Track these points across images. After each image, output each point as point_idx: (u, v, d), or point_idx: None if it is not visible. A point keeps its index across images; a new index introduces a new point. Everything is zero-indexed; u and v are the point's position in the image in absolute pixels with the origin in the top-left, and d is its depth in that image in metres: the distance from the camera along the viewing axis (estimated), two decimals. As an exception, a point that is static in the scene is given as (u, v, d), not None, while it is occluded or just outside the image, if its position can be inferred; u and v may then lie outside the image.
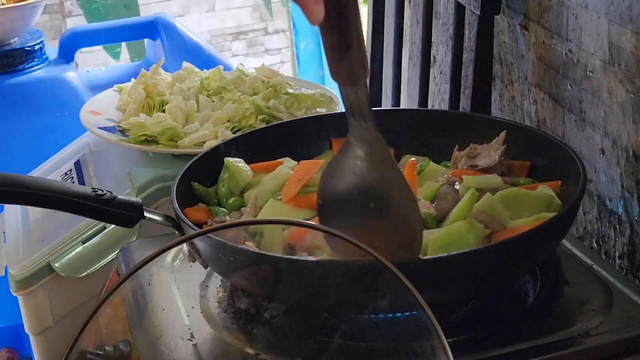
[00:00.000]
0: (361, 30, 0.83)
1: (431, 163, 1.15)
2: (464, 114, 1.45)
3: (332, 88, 1.72)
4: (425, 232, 0.92)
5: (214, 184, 1.15)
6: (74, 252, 1.42)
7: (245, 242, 0.99)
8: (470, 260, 0.90)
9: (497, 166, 1.12)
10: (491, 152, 1.14)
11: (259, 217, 1.06)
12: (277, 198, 1.08)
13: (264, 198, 1.09)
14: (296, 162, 1.17)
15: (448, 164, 1.17)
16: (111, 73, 2.39)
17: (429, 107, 1.73)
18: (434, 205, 1.04)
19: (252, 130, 1.30)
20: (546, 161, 1.11)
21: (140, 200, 1.03)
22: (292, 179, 1.10)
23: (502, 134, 1.13)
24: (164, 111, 1.56)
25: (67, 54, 2.31)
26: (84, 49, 2.58)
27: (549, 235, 0.97)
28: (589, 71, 1.25)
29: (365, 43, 1.99)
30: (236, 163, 1.15)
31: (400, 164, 1.17)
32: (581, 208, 1.31)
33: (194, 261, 1.03)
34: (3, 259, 1.54)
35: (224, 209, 1.10)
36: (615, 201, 1.24)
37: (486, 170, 1.12)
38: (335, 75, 0.85)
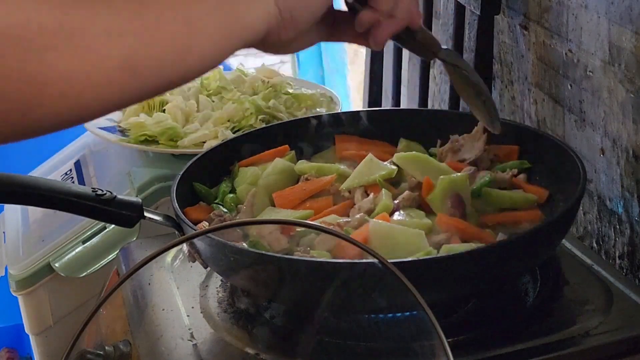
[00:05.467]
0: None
1: (416, 153, 1.15)
2: (464, 114, 1.45)
3: (332, 88, 1.72)
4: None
5: (214, 184, 1.15)
6: (74, 252, 1.42)
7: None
8: (470, 260, 0.90)
9: (484, 156, 1.13)
10: (475, 143, 1.13)
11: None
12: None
13: (261, 195, 1.09)
14: (292, 153, 1.18)
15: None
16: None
17: (429, 107, 1.73)
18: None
19: (254, 129, 1.31)
20: (546, 161, 1.11)
21: (140, 200, 1.03)
22: (296, 190, 1.10)
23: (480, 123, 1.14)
24: (164, 111, 1.56)
25: (67, 54, 2.30)
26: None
27: (549, 235, 0.97)
28: (589, 71, 1.25)
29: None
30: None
31: (399, 149, 1.20)
32: (581, 208, 1.31)
33: (194, 261, 1.03)
34: (3, 259, 1.54)
35: (223, 206, 1.10)
36: (615, 201, 1.24)
37: (474, 163, 1.12)
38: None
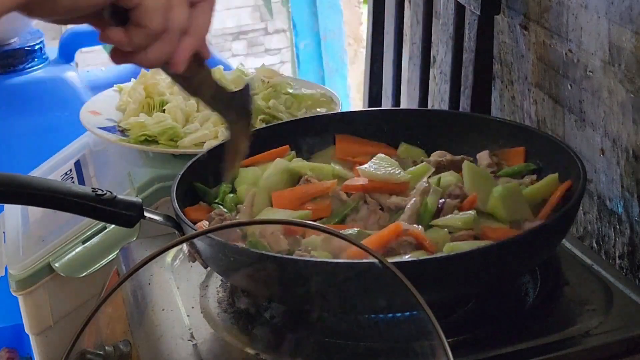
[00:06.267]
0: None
1: (405, 145, 1.18)
2: (464, 114, 1.45)
3: (332, 88, 1.72)
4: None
5: (214, 184, 1.15)
6: (74, 252, 1.42)
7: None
8: (470, 260, 0.90)
9: (492, 160, 1.13)
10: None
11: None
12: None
13: (261, 196, 1.10)
14: (293, 153, 1.18)
15: None
16: (111, 73, 2.38)
17: (429, 107, 1.73)
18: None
19: (254, 129, 1.30)
20: (546, 161, 1.11)
21: (140, 200, 1.03)
22: (296, 192, 1.10)
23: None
24: (164, 111, 1.56)
25: (67, 54, 2.31)
26: (84, 49, 2.58)
27: (549, 235, 0.97)
28: (589, 71, 1.25)
29: (365, 43, 1.99)
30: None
31: (397, 153, 1.20)
32: (581, 208, 1.31)
33: (194, 261, 1.03)
34: (3, 259, 1.54)
35: (223, 206, 1.10)
36: (615, 201, 1.24)
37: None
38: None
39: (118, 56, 0.81)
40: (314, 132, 1.23)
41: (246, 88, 1.00)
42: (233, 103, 0.99)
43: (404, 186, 1.07)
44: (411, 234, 0.96)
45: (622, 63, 1.16)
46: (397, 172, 1.09)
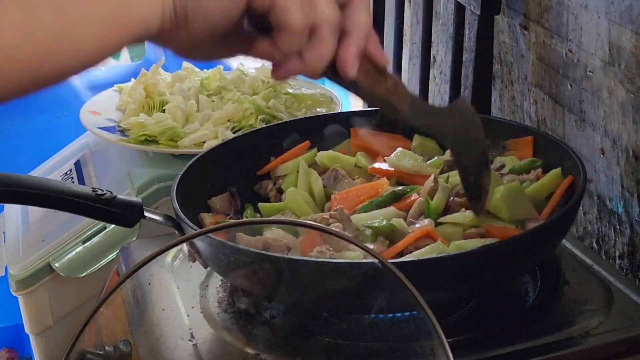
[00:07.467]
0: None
1: (420, 138, 1.18)
2: (464, 114, 1.45)
3: (332, 88, 1.72)
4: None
5: (214, 184, 1.15)
6: (74, 252, 1.42)
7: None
8: (470, 260, 0.90)
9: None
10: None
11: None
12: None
13: (300, 195, 1.11)
14: (315, 149, 1.19)
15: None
16: (111, 73, 2.39)
17: (429, 107, 1.72)
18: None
19: (262, 127, 1.30)
20: (546, 161, 1.11)
21: (140, 200, 1.03)
22: (354, 193, 1.10)
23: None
24: (164, 111, 1.56)
25: (67, 54, 2.30)
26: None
27: (549, 235, 0.97)
28: (589, 71, 1.25)
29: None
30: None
31: (413, 145, 1.19)
32: (581, 208, 1.31)
33: (194, 261, 1.03)
34: (3, 259, 1.54)
35: None
36: (615, 201, 1.24)
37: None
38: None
39: (277, 71, 0.75)
40: (326, 128, 1.23)
41: (463, 104, 0.90)
42: (449, 121, 0.87)
43: (427, 178, 1.08)
44: (428, 236, 0.97)
45: (622, 63, 1.17)
46: (424, 164, 1.12)
